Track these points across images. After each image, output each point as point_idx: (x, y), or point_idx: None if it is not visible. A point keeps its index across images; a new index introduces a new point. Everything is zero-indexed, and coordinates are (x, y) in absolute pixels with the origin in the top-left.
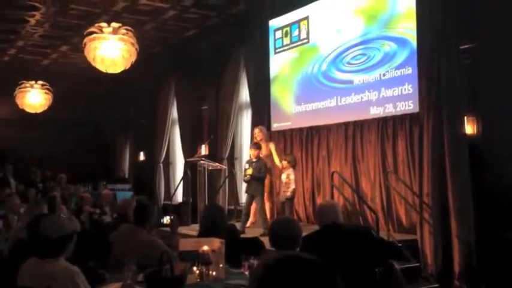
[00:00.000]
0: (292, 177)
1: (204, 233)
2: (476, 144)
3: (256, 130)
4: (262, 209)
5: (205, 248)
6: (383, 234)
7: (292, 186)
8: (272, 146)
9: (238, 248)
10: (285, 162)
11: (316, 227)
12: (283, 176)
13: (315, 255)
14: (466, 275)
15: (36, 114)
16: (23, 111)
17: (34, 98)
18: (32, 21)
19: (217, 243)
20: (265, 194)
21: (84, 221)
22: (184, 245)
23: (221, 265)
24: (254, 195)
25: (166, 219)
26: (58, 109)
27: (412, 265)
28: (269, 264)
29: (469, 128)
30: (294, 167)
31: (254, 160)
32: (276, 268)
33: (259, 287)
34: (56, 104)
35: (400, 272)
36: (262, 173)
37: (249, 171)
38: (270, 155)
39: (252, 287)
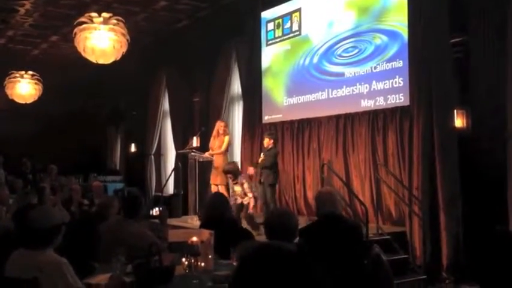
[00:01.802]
0: (246, 186)
1: (206, 223)
2: (466, 137)
3: (222, 124)
4: (272, 198)
5: (194, 239)
6: (372, 226)
7: (249, 195)
8: (226, 138)
9: (228, 239)
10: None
11: (305, 219)
12: (237, 189)
13: (313, 246)
14: (454, 267)
15: (26, 104)
16: (12, 101)
17: (24, 88)
18: (22, 10)
19: (206, 234)
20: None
21: (75, 212)
22: (174, 236)
23: (210, 256)
24: (265, 183)
25: (155, 211)
26: (48, 100)
27: (401, 257)
28: (243, 255)
29: (459, 121)
30: (235, 177)
31: (268, 148)
32: (249, 259)
33: (234, 278)
34: (46, 95)
35: (387, 263)
36: (272, 161)
37: (260, 160)
38: (221, 144)
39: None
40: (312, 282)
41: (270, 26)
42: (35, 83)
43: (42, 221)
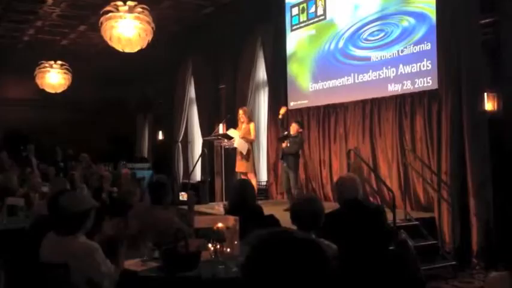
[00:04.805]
0: None
1: (230, 210)
2: (497, 120)
3: (241, 111)
4: (296, 185)
5: (220, 225)
6: (400, 212)
7: None
8: (252, 125)
9: (253, 225)
10: None
11: (332, 205)
12: None
13: (338, 232)
14: (484, 253)
15: (55, 94)
16: (43, 91)
17: (53, 78)
18: (50, 0)
19: (231, 220)
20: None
21: (105, 199)
22: (200, 222)
23: (235, 242)
24: (288, 169)
25: (182, 194)
26: (77, 89)
27: (430, 242)
28: (255, 244)
29: (489, 104)
30: None
31: (294, 135)
32: (261, 248)
33: (246, 267)
34: (75, 84)
35: (413, 249)
36: (297, 148)
37: (284, 146)
38: (248, 132)
39: (242, 267)
40: (322, 274)
41: (295, 10)
42: (64, 73)
43: (72, 206)
